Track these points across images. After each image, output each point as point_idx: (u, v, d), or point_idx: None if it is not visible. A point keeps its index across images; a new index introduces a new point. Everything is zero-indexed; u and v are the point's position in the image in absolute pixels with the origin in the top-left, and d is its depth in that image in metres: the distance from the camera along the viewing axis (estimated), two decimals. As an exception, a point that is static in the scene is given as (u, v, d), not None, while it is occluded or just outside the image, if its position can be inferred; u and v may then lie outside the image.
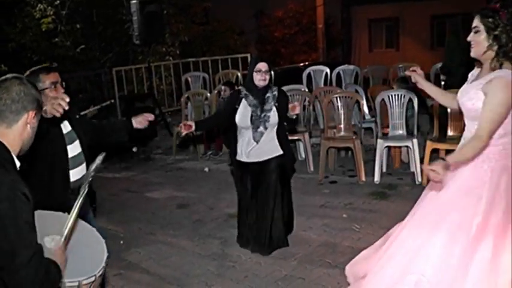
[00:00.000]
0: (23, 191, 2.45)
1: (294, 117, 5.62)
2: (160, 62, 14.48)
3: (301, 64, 17.89)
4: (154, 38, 11.91)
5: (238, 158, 5.84)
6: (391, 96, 8.05)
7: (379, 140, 7.96)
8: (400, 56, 22.99)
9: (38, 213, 2.62)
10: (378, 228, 6.16)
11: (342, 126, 8.21)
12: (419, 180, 7.68)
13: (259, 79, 5.64)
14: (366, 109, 9.34)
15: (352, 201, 7.18)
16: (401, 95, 8.00)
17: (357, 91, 9.31)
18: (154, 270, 5.56)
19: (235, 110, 5.76)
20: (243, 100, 5.74)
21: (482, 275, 3.43)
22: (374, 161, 8.02)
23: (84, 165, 4.19)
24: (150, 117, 4.69)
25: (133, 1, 11.25)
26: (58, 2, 13.71)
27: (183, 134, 5.76)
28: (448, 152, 7.76)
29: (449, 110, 7.70)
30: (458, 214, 3.59)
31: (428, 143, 7.63)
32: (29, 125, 2.64)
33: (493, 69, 3.52)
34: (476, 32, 3.57)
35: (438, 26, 24.14)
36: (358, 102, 8.52)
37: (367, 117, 9.49)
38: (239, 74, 12.70)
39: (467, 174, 3.63)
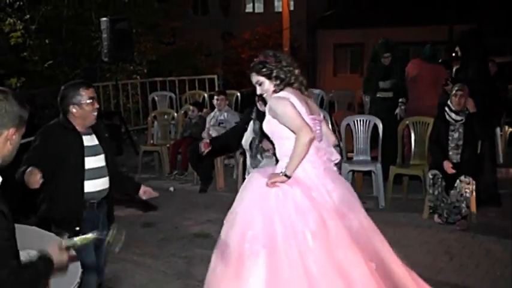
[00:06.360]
0: (1, 208, 2.38)
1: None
2: (128, 80, 14.48)
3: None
4: (123, 56, 11.91)
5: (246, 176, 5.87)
6: (356, 121, 8.24)
7: (343, 164, 8.08)
8: (364, 81, 23.30)
9: (17, 227, 2.60)
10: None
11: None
12: (383, 204, 7.82)
13: (260, 104, 5.57)
14: (331, 133, 9.44)
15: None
16: (366, 121, 8.20)
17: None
18: (119, 289, 5.55)
19: (245, 130, 5.87)
20: (251, 122, 5.80)
21: None
22: (339, 184, 8.12)
23: (106, 179, 4.28)
24: (155, 194, 4.73)
25: (104, 18, 11.30)
26: (28, 16, 13.65)
27: (205, 152, 5.75)
28: (412, 177, 8.00)
29: (413, 137, 7.93)
30: None
31: (392, 168, 7.81)
32: (9, 141, 2.55)
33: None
34: (260, 85, 4.05)
35: (402, 53, 24.49)
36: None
37: (332, 141, 9.60)
38: (206, 95, 12.74)
39: None
